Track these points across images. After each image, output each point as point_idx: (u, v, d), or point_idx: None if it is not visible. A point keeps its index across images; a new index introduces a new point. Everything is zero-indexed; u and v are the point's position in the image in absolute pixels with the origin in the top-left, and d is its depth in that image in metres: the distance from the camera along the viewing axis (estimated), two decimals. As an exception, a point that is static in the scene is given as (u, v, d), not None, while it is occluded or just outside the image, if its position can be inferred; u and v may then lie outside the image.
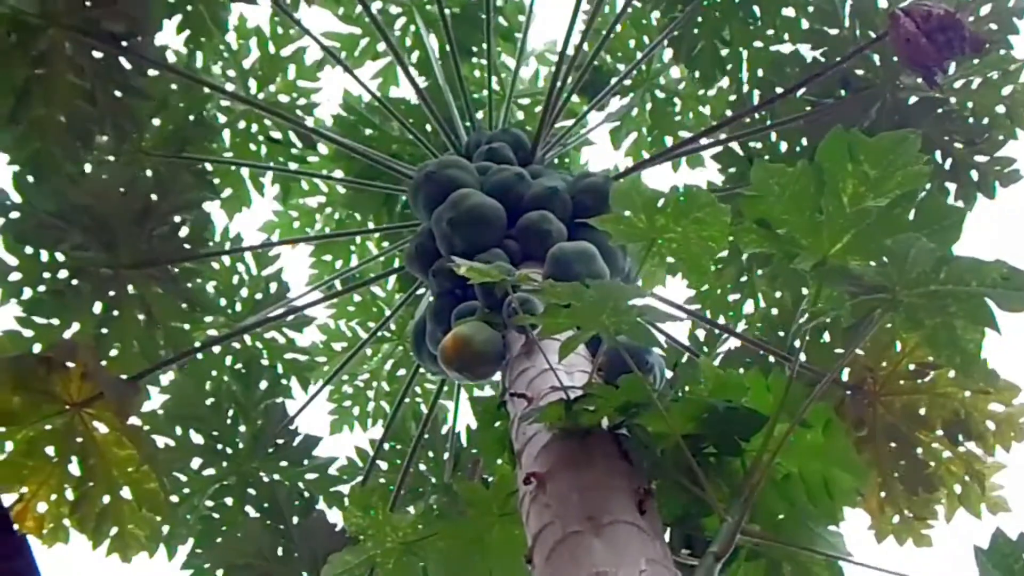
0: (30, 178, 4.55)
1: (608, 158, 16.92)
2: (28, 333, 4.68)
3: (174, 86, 5.05)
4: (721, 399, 2.45)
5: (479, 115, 5.94)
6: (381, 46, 6.25)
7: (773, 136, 5.14)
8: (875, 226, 2.34)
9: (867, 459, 4.22)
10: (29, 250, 4.64)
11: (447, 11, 5.78)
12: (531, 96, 6.73)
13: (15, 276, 4.65)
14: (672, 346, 5.02)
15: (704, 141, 5.48)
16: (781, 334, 4.85)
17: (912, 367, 4.22)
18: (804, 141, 5.03)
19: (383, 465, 5.64)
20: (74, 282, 4.71)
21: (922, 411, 4.26)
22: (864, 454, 4.22)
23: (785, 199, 2.38)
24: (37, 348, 4.64)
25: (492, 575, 3.21)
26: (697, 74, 5.51)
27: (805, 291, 4.45)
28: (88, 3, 4.17)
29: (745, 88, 5.30)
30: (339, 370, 5.91)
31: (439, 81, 5.98)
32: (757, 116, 5.19)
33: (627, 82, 6.16)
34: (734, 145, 5.24)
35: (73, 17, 4.17)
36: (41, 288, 4.69)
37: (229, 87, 5.72)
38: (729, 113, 5.35)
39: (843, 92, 4.93)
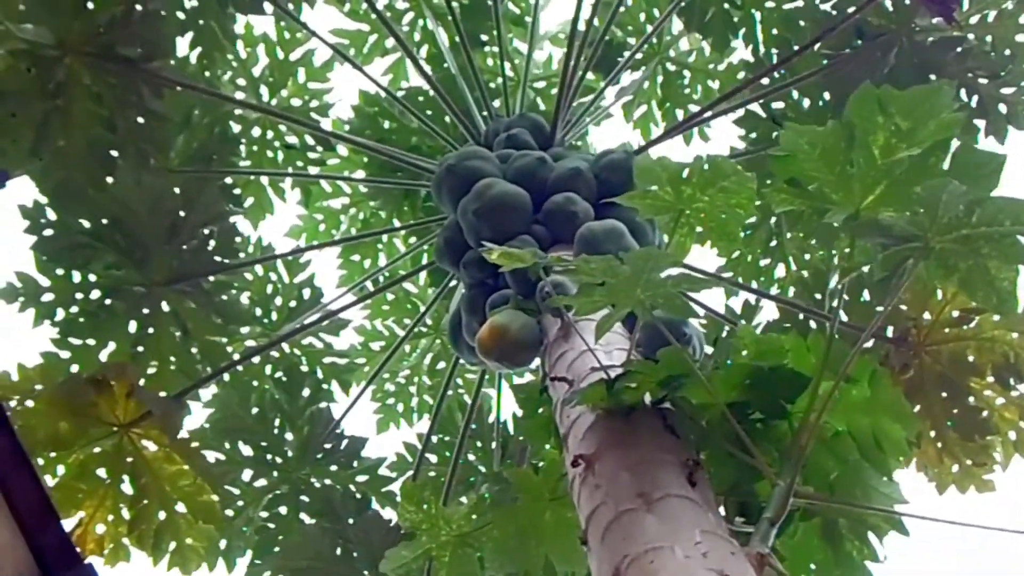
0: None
1: (618, 132, 16.76)
2: (65, 354, 4.72)
3: (196, 107, 5.08)
4: (763, 363, 2.44)
5: (495, 103, 5.92)
6: (390, 42, 6.25)
7: (795, 94, 5.08)
8: (908, 176, 2.32)
9: (919, 411, 4.18)
10: (60, 270, 4.68)
11: (455, 2, 5.77)
12: (545, 79, 6.71)
13: (48, 297, 4.69)
14: (710, 318, 5.00)
15: (724, 106, 5.42)
16: (818, 297, 4.80)
17: (956, 314, 4.17)
18: (826, 95, 4.97)
19: (432, 458, 5.66)
20: (107, 301, 4.75)
21: (970, 357, 4.20)
22: (915, 406, 4.17)
23: (815, 156, 2.37)
24: (75, 369, 4.69)
25: (548, 560, 3.22)
26: (710, 41, 5.47)
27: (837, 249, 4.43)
28: (102, 30, 4.18)
29: (762, 49, 5.23)
30: (380, 369, 5.93)
31: (452, 72, 5.97)
32: (777, 75, 5.13)
33: (639, 56, 6.13)
34: (755, 108, 5.19)
35: (89, 45, 4.19)
36: (74, 309, 4.72)
37: (240, 96, 5.74)
38: (743, 75, 5.30)
39: (859, 41, 4.87)
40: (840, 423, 2.48)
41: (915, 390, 4.22)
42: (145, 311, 4.78)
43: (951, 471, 4.33)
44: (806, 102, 5.06)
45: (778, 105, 5.14)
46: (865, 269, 2.61)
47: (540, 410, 3.11)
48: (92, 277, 4.72)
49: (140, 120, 4.35)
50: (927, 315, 4.19)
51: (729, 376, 2.44)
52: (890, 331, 4.25)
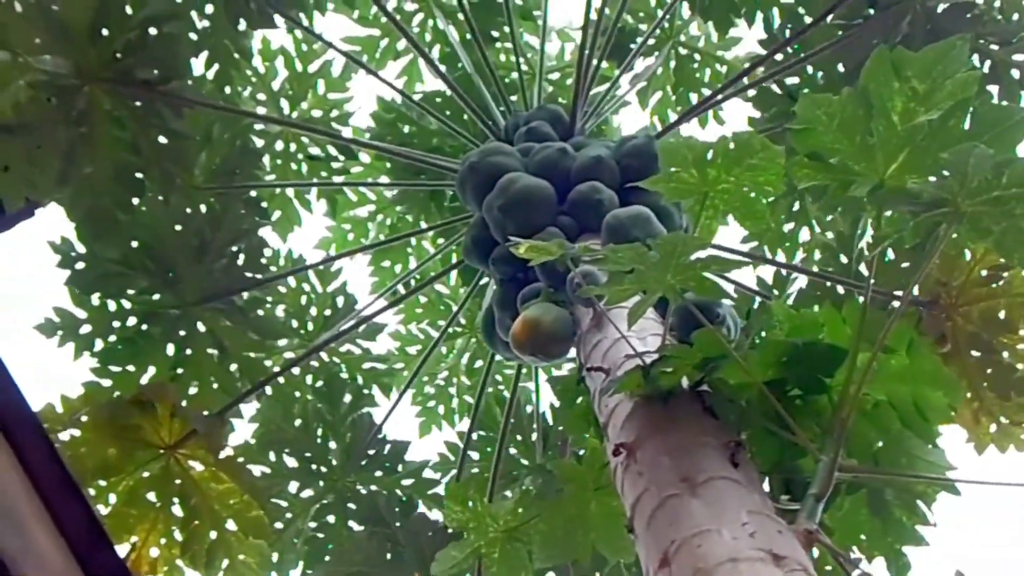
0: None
1: (638, 121, 16.66)
2: (106, 383, 4.74)
3: (216, 123, 5.10)
4: (798, 339, 2.43)
5: (512, 98, 5.92)
6: (401, 44, 6.27)
7: (809, 69, 5.04)
8: (929, 141, 2.30)
9: (954, 372, 4.15)
10: (96, 300, 4.72)
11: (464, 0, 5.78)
12: (560, 70, 6.71)
13: (86, 328, 4.73)
14: (741, 293, 4.97)
15: (739, 86, 5.38)
16: (844, 260, 4.76)
17: (985, 273, 4.14)
18: (841, 68, 4.92)
19: (474, 455, 5.67)
20: (144, 327, 4.78)
21: (1002, 315, 4.17)
22: (950, 368, 4.14)
23: (834, 128, 2.36)
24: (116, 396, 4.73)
25: (596, 549, 3.23)
26: (712, 23, 5.44)
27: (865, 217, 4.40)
28: (119, 55, 4.21)
29: (775, 23, 5.19)
30: (417, 372, 5.95)
31: (467, 70, 5.98)
32: (790, 51, 5.09)
33: (651, 41, 6.11)
34: (770, 84, 5.15)
35: (106, 71, 4.21)
36: (112, 337, 4.76)
37: (261, 110, 5.77)
38: (759, 53, 5.27)
39: (871, 11, 4.83)
40: (880, 393, 2.47)
41: (950, 353, 4.19)
42: (181, 333, 4.81)
43: (989, 431, 4.30)
44: (821, 75, 5.00)
45: (792, 80, 5.11)
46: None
47: (578, 401, 3.12)
48: (127, 304, 4.75)
49: (163, 140, 4.38)
50: (956, 276, 4.16)
51: (765, 354, 2.43)
52: (916, 290, 4.22)
